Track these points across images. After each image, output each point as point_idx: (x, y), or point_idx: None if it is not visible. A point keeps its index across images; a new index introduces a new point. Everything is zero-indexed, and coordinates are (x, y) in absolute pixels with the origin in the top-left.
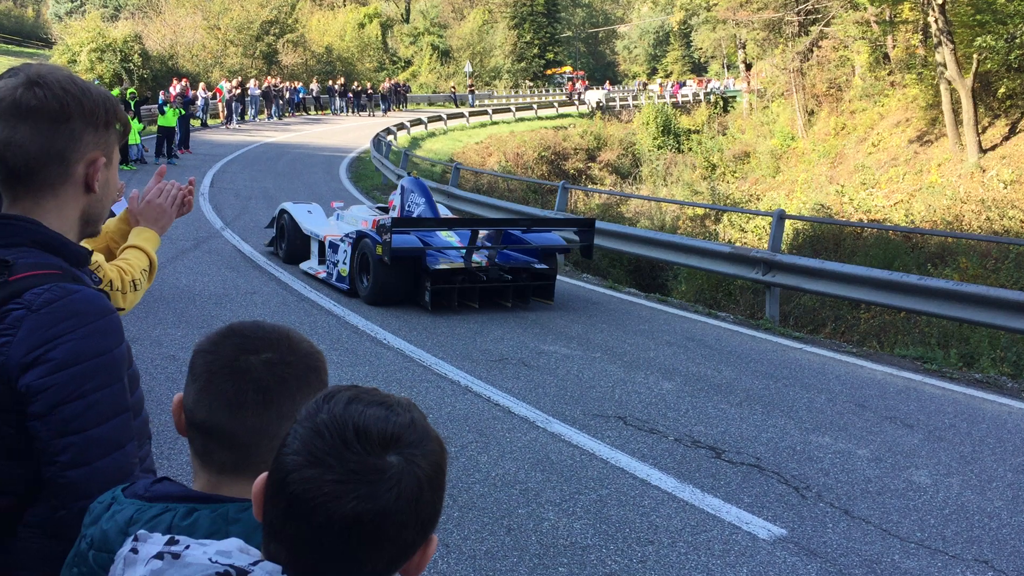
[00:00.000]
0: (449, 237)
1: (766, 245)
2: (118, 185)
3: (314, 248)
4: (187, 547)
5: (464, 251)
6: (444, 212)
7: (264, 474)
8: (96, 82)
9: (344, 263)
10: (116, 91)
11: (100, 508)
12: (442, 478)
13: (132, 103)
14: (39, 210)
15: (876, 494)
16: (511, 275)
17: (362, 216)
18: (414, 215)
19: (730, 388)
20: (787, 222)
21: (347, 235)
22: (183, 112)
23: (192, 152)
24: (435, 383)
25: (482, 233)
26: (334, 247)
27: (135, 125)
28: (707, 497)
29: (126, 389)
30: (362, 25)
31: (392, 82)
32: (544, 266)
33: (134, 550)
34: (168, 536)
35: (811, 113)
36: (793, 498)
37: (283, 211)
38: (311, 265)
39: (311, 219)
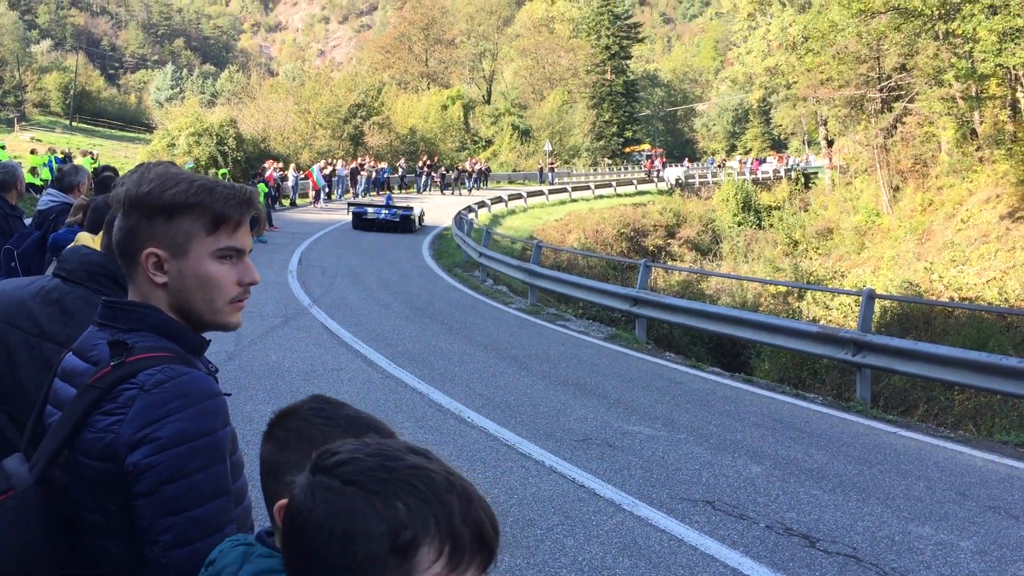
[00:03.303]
0: (383, 209)
1: (852, 323)
2: (221, 277)
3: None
4: None
5: (383, 212)
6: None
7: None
8: (189, 166)
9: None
10: (212, 172)
11: None
12: None
13: None
14: (149, 300)
15: None
16: (389, 221)
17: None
18: (382, 203)
19: (822, 473)
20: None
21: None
22: (265, 189)
23: (280, 230)
24: (519, 463)
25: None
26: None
27: None
28: None
29: (228, 472)
30: (445, 107)
31: (473, 161)
32: (399, 220)
33: None
34: None
35: (896, 189)
36: None
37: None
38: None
39: (358, 209)
